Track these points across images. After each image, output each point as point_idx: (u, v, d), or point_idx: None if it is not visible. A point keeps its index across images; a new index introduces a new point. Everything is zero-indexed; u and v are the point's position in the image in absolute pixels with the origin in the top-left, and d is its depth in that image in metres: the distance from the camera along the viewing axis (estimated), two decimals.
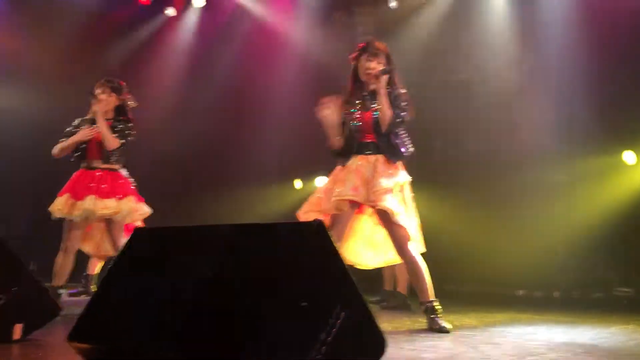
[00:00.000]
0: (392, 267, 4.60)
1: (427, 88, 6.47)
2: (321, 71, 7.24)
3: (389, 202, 3.29)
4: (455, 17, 6.78)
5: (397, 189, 3.38)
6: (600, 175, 5.52)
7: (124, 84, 4.44)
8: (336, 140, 3.52)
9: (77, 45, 7.62)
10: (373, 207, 3.36)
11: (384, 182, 3.31)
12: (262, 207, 7.42)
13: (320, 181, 7.66)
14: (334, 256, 1.99)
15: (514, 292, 5.86)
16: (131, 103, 4.45)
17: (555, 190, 5.78)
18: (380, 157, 3.39)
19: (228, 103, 7.98)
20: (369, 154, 3.41)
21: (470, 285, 6.14)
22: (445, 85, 6.77)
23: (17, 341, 2.70)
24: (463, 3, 6.73)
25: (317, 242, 1.94)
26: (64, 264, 4.16)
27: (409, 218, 3.39)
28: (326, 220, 3.39)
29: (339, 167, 3.51)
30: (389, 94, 3.41)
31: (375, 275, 5.02)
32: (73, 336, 2.15)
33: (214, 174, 7.97)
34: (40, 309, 2.79)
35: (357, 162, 3.39)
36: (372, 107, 3.44)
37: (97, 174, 4.25)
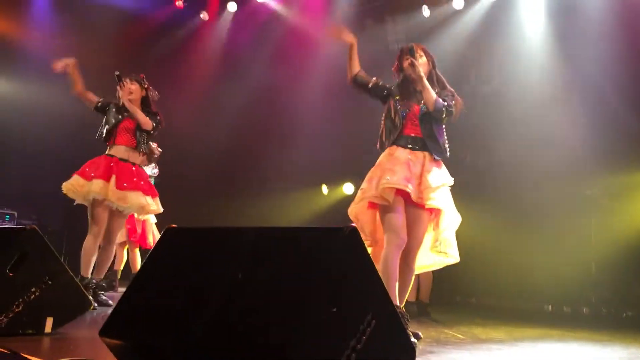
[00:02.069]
0: (415, 276, 4.56)
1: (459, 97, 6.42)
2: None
3: (438, 202, 3.24)
4: (488, 26, 6.71)
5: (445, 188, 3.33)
6: (635, 191, 5.40)
7: (144, 76, 4.51)
8: (355, 65, 3.52)
9: (114, 46, 7.79)
10: (421, 205, 3.26)
11: (433, 181, 3.25)
12: (289, 210, 7.44)
13: (348, 187, 7.67)
14: (365, 262, 1.98)
15: (542, 307, 5.75)
16: (153, 94, 4.50)
17: (588, 205, 5.67)
18: (427, 154, 3.32)
19: (258, 107, 8.04)
20: (416, 149, 3.32)
21: (497, 299, 6.05)
22: (477, 95, 6.71)
23: (48, 334, 2.75)
24: (497, 12, 6.66)
25: (349, 247, 1.93)
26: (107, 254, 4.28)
27: (453, 220, 3.34)
28: (368, 214, 3.34)
29: (384, 155, 3.37)
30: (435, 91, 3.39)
31: None
32: (104, 331, 2.17)
33: (243, 177, 8.03)
34: (72, 303, 2.84)
35: (407, 155, 3.29)
36: (421, 101, 3.37)
37: (133, 168, 4.31)
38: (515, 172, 6.15)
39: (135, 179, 4.25)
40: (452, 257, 3.37)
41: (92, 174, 4.15)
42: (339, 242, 1.93)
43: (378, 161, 3.38)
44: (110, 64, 7.68)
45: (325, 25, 3.68)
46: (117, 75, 4.32)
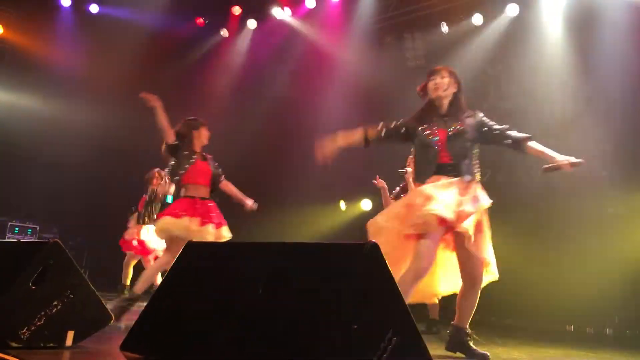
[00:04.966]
0: None
1: None
2: (370, 94, 7.26)
3: (468, 225, 3.16)
4: (507, 43, 6.69)
5: (479, 214, 3.26)
6: None
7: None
8: (357, 140, 3.51)
9: (137, 63, 7.94)
10: (454, 229, 3.18)
11: (468, 207, 3.17)
12: (307, 226, 7.43)
13: (366, 204, 7.64)
14: (386, 279, 1.96)
15: (564, 327, 5.64)
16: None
17: (611, 223, 5.56)
18: (461, 179, 3.26)
19: (276, 123, 8.09)
20: (451, 175, 3.26)
21: (518, 318, 5.95)
22: (496, 112, 6.65)
23: (69, 348, 2.76)
24: (516, 29, 6.64)
25: (370, 263, 1.92)
26: None
27: (489, 242, 3.31)
28: (401, 240, 3.21)
29: (419, 184, 3.30)
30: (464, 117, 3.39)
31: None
32: (125, 346, 2.18)
33: (261, 192, 8.03)
34: (92, 317, 2.85)
35: (444, 181, 3.23)
36: (450, 127, 3.34)
37: (210, 204, 4.57)
38: (536, 190, 6.07)
39: (213, 214, 4.50)
40: (492, 273, 3.32)
41: (181, 214, 4.38)
42: (360, 258, 1.92)
43: (416, 189, 3.30)
44: (133, 79, 7.84)
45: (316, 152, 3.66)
46: (199, 121, 4.61)
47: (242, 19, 8.33)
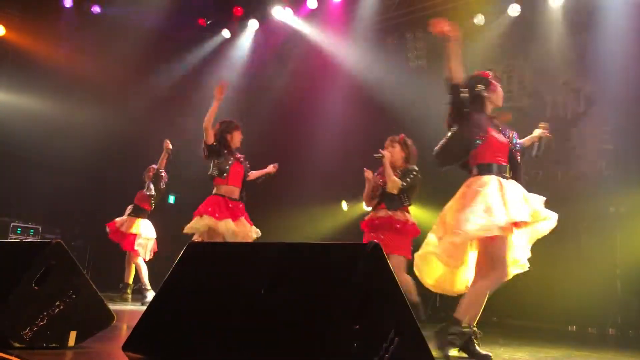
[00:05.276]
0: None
1: None
2: (372, 95, 7.26)
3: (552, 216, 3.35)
4: (509, 42, 6.69)
5: None
6: None
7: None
8: (459, 68, 3.47)
9: (139, 64, 7.95)
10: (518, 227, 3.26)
11: (537, 205, 3.32)
12: (308, 227, 7.43)
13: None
14: (389, 279, 1.96)
15: (566, 327, 5.63)
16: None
17: (613, 222, 5.56)
18: (516, 181, 3.40)
19: (277, 123, 8.09)
20: (508, 177, 3.38)
21: (520, 318, 5.94)
22: (498, 112, 6.66)
23: (71, 348, 2.77)
24: (517, 29, 6.64)
25: (372, 263, 1.92)
26: None
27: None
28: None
29: (486, 186, 3.24)
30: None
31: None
32: (127, 346, 2.19)
33: (262, 192, 8.04)
34: (95, 317, 2.85)
35: (509, 184, 3.32)
36: (510, 135, 3.49)
37: (240, 205, 4.84)
38: (537, 189, 6.06)
39: (246, 215, 4.80)
40: (523, 266, 3.46)
41: (217, 215, 4.60)
42: (362, 258, 1.92)
43: (475, 190, 3.24)
44: (134, 80, 7.85)
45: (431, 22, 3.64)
46: (233, 124, 4.93)
47: (244, 19, 8.34)
